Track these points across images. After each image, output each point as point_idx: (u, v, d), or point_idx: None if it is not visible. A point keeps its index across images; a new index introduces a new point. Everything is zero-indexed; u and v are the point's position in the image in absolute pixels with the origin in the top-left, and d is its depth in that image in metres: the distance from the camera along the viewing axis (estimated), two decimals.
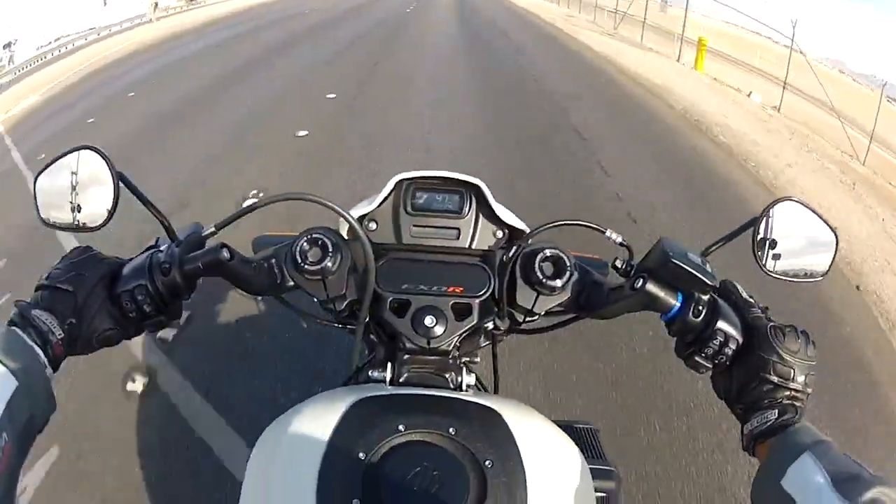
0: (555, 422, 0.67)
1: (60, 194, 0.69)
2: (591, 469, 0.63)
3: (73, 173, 0.69)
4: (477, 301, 0.73)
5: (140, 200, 0.68)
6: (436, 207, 0.79)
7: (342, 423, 0.58)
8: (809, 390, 0.61)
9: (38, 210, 0.69)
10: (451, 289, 0.73)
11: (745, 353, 0.63)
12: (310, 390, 0.87)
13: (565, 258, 0.69)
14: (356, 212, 0.76)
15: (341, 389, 0.69)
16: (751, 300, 0.68)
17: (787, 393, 0.61)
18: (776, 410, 0.59)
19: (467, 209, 0.79)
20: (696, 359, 0.65)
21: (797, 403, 0.60)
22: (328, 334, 2.12)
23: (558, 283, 0.69)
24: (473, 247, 0.79)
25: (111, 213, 0.67)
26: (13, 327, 0.58)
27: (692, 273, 0.63)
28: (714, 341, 0.64)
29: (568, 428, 0.83)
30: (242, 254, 0.71)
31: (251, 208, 0.69)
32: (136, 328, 0.67)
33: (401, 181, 0.78)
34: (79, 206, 0.69)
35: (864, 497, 0.47)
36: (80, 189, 0.69)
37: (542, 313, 0.72)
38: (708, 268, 0.65)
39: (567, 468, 0.59)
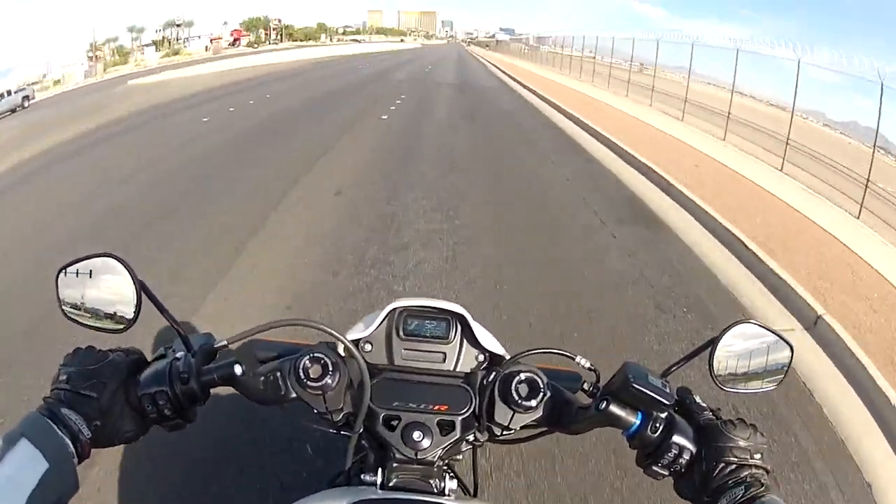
0: None
1: (81, 295, 0.74)
2: None
3: (94, 276, 0.74)
4: (460, 418, 0.81)
5: (160, 311, 0.74)
6: (425, 333, 0.89)
7: None
8: (769, 467, 0.68)
9: (60, 305, 0.75)
10: (436, 407, 0.81)
11: (704, 452, 0.71)
12: None
13: (539, 380, 0.78)
14: (353, 335, 0.87)
15: (338, 490, 0.76)
16: (703, 405, 0.76)
17: (749, 471, 0.67)
18: (742, 486, 0.66)
19: (453, 335, 0.89)
20: (654, 468, 0.73)
21: (761, 478, 0.67)
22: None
23: (533, 402, 0.77)
24: (457, 369, 0.89)
25: (133, 320, 0.74)
26: (45, 418, 0.65)
27: (650, 395, 0.71)
28: (669, 453, 0.71)
29: None
30: (251, 364, 0.79)
31: (260, 329, 0.77)
32: (154, 427, 0.75)
33: (394, 309, 0.88)
34: (100, 309, 0.74)
35: None
36: (102, 293, 0.74)
37: (518, 428, 0.80)
38: (667, 389, 0.72)
39: None
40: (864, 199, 6.23)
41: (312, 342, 0.80)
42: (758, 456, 0.68)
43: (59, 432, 0.64)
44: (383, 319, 0.88)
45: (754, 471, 0.67)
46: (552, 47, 30.76)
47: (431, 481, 0.77)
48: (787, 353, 0.81)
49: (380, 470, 0.77)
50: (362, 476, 0.78)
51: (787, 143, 8.28)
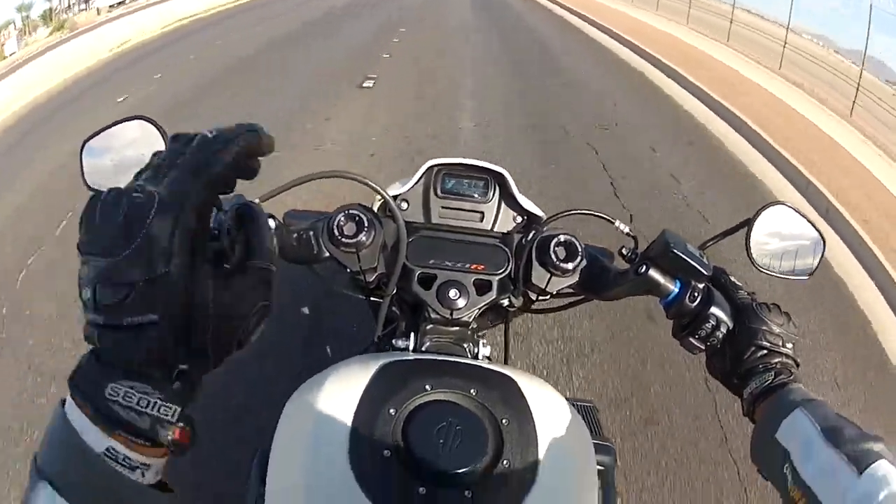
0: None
1: (109, 164, 0.70)
2: (592, 444, 0.69)
3: (122, 142, 0.69)
4: (496, 278, 0.80)
5: None
6: (463, 192, 0.87)
7: (373, 383, 0.63)
8: (798, 359, 0.68)
9: (84, 178, 0.71)
10: (473, 266, 0.80)
11: (738, 331, 0.70)
12: None
13: (577, 244, 0.76)
14: (390, 191, 0.83)
15: (369, 355, 0.75)
16: (739, 285, 0.74)
17: (780, 358, 0.67)
18: (772, 372, 0.65)
19: (491, 195, 0.87)
20: (691, 340, 0.72)
21: (790, 367, 0.67)
22: None
23: (570, 265, 0.76)
24: (495, 229, 0.87)
25: None
26: None
27: (690, 262, 0.69)
28: (707, 324, 0.70)
29: (570, 402, 0.92)
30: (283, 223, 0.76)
31: (295, 183, 0.74)
32: None
33: (431, 167, 0.85)
34: (131, 174, 0.70)
35: (850, 446, 0.52)
36: (132, 158, 0.69)
37: (554, 293, 0.79)
38: (704, 259, 0.72)
39: (572, 432, 0.66)
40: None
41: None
42: (789, 345, 0.67)
43: None
44: (421, 177, 0.85)
45: (785, 359, 0.66)
46: None
47: (465, 345, 0.77)
48: (820, 243, 0.80)
49: (412, 334, 0.77)
50: (394, 341, 0.78)
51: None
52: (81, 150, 0.71)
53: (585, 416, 1.08)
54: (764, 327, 0.67)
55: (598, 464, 0.80)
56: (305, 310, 2.27)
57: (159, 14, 10.85)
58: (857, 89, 6.32)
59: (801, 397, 0.60)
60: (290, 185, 0.74)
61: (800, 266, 0.81)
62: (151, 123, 0.69)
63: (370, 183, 0.73)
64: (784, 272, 0.81)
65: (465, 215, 0.87)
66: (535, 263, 0.78)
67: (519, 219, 0.88)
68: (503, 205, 0.87)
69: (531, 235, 0.79)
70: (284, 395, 0.69)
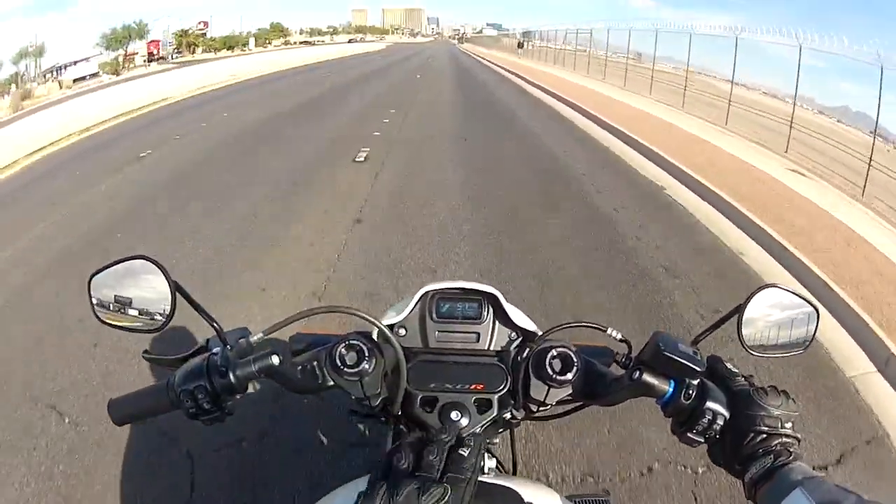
0: (568, 496, 0.73)
1: (114, 297, 0.76)
2: None
3: (127, 278, 0.76)
4: (496, 396, 0.82)
5: (195, 308, 0.76)
6: (457, 315, 0.90)
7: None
8: (799, 436, 0.69)
9: (93, 309, 0.76)
10: (473, 386, 0.82)
11: (736, 419, 0.71)
12: None
13: (572, 355, 0.79)
14: (387, 320, 0.87)
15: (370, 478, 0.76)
16: (735, 371, 0.76)
17: (779, 440, 0.67)
18: (772, 455, 0.66)
19: (485, 315, 0.90)
20: (689, 435, 0.73)
21: (790, 448, 0.67)
22: None
23: (567, 377, 0.78)
24: (491, 348, 0.90)
25: (169, 319, 0.75)
26: None
27: (682, 362, 0.72)
28: (704, 419, 0.72)
29: (582, 500, 0.89)
30: (288, 356, 0.80)
31: (295, 318, 0.78)
32: (192, 420, 0.76)
33: (426, 293, 0.89)
34: (135, 309, 0.76)
35: None
36: (135, 294, 0.76)
37: (553, 403, 0.81)
38: (697, 355, 0.73)
39: None
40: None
41: (345, 332, 0.80)
42: (789, 425, 0.68)
43: None
44: (416, 304, 0.89)
45: (785, 440, 0.67)
46: (544, 42, 30.16)
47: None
48: (814, 316, 0.82)
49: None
50: (399, 464, 0.78)
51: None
52: (89, 285, 0.77)
53: None
54: (762, 412, 0.69)
55: None
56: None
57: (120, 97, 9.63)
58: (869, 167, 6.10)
59: (801, 476, 0.61)
60: (290, 321, 0.78)
61: (795, 340, 0.83)
62: (150, 261, 0.75)
63: (367, 317, 0.77)
64: (779, 351, 0.82)
65: (462, 337, 0.90)
66: (533, 377, 0.80)
67: (513, 335, 0.91)
68: (497, 323, 0.91)
69: (527, 351, 0.82)
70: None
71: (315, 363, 0.78)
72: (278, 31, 68.57)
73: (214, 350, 0.77)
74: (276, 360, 0.76)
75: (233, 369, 0.75)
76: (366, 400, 0.78)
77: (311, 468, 2.08)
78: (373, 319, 0.77)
